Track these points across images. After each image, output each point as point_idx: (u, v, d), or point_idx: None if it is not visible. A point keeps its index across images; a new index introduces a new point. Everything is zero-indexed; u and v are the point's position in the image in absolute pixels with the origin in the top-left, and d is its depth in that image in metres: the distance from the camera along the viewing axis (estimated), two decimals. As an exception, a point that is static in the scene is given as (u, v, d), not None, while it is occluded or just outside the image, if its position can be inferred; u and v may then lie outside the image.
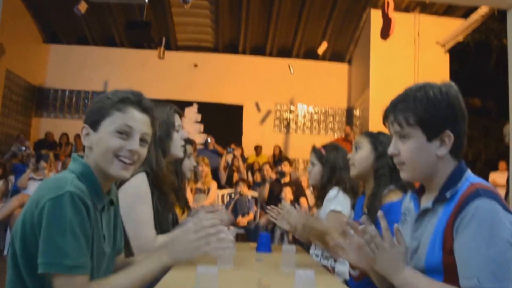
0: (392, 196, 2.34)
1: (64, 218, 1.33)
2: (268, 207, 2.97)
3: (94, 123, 1.52)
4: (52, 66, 12.31)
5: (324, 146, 3.18)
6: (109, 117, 1.51)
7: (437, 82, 1.54)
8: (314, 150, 3.17)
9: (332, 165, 3.02)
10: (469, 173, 1.52)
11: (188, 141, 2.69)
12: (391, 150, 1.59)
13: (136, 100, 1.55)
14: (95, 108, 1.54)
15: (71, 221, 1.33)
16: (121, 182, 2.10)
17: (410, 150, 1.52)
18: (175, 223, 2.45)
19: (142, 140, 1.56)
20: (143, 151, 1.58)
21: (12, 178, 7.46)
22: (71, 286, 1.31)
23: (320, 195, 3.10)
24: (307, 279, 1.52)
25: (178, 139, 2.42)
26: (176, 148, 2.42)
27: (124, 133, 1.52)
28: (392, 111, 1.55)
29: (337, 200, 2.89)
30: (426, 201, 1.56)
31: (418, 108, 1.48)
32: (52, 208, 1.34)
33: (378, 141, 2.47)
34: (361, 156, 2.52)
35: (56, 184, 1.40)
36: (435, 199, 1.52)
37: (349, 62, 12.83)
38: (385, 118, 1.60)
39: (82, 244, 1.36)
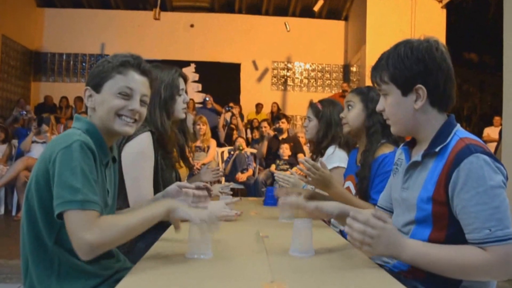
0: (384, 149, 2.39)
1: (75, 161, 1.39)
2: (276, 174, 3.05)
3: (96, 86, 1.59)
4: (48, 30, 12.16)
5: (321, 101, 3.20)
6: (111, 80, 1.58)
7: (421, 38, 1.57)
8: (311, 105, 3.20)
9: (328, 120, 3.06)
10: (458, 128, 1.56)
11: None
12: (378, 107, 1.67)
13: (136, 63, 1.62)
14: (97, 71, 1.60)
15: (81, 164, 1.39)
16: (126, 140, 2.15)
17: (390, 105, 1.59)
18: (178, 180, 2.51)
19: (142, 101, 1.64)
20: (143, 111, 1.66)
21: (15, 142, 7.47)
22: (84, 221, 1.35)
23: (316, 149, 3.15)
24: (304, 228, 1.57)
25: (180, 102, 2.47)
26: (179, 110, 2.47)
27: (125, 94, 1.59)
28: (372, 71, 1.63)
29: (335, 157, 2.94)
30: (416, 154, 1.60)
31: (389, 66, 1.54)
32: (63, 155, 1.39)
33: (369, 98, 2.50)
34: (353, 115, 2.55)
35: (64, 138, 1.45)
36: (424, 152, 1.56)
37: (346, 19, 12.65)
38: (371, 79, 1.67)
39: (93, 185, 1.41)
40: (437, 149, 1.51)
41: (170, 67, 2.47)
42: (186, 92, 2.54)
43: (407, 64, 1.51)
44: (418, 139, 1.65)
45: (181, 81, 2.47)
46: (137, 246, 2.04)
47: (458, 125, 1.57)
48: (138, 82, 1.62)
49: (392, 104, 1.58)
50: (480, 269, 1.38)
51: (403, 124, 1.60)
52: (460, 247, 1.42)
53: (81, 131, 1.52)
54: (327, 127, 3.07)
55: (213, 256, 1.48)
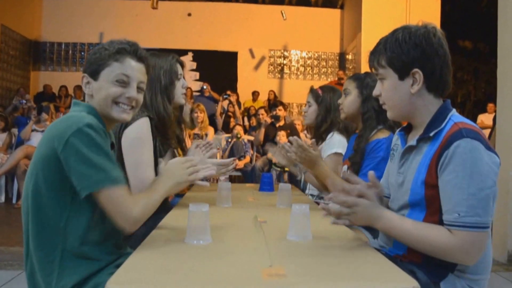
0: (380, 134, 2.40)
1: (94, 141, 1.42)
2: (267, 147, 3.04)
3: (93, 73, 1.59)
4: (46, 20, 12.11)
5: (321, 87, 3.20)
6: (108, 67, 1.58)
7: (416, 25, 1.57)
8: (312, 90, 3.20)
9: (327, 105, 3.05)
10: (454, 113, 1.55)
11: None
12: (375, 92, 1.66)
13: (132, 50, 1.62)
14: (94, 59, 1.59)
15: (100, 144, 1.43)
16: (124, 126, 2.15)
17: (387, 90, 1.59)
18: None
19: (139, 88, 1.64)
20: (140, 97, 1.67)
21: (15, 130, 7.47)
22: (125, 197, 1.44)
23: (316, 134, 3.14)
24: (302, 213, 1.57)
25: (179, 87, 2.49)
26: (178, 95, 2.49)
27: (122, 81, 1.59)
28: (370, 56, 1.63)
29: (334, 143, 2.94)
30: (412, 139, 1.61)
31: (387, 50, 1.54)
32: (79, 137, 1.40)
33: (364, 85, 2.50)
34: (348, 101, 2.56)
35: (72, 120, 1.45)
36: (419, 137, 1.56)
37: (341, 8, 12.64)
38: (369, 64, 1.66)
39: (115, 161, 1.47)
40: (431, 134, 1.51)
41: (167, 54, 2.48)
42: (183, 77, 2.56)
43: (404, 49, 1.51)
44: (414, 124, 1.65)
45: (178, 66, 2.49)
46: (136, 232, 2.03)
47: (454, 110, 1.57)
48: (135, 69, 1.62)
49: (389, 88, 1.58)
50: (443, 249, 1.40)
51: (400, 109, 1.59)
52: (432, 226, 1.46)
53: (85, 113, 1.52)
54: (326, 112, 3.06)
55: (212, 241, 1.49)
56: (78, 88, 10.36)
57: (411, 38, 1.51)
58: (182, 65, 2.55)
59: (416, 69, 1.51)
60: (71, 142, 1.39)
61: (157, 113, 2.33)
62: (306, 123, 3.27)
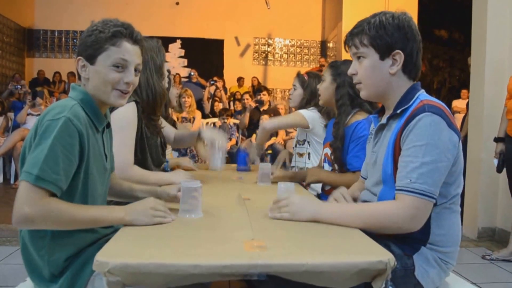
0: (358, 116, 2.40)
1: (50, 136, 1.33)
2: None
3: (90, 57, 1.51)
4: (39, 8, 11.92)
5: (308, 73, 3.23)
6: (105, 52, 1.50)
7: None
8: (298, 75, 3.23)
9: (312, 90, 3.06)
10: (422, 92, 1.57)
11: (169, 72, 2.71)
12: (350, 70, 1.65)
13: (128, 33, 1.53)
14: (90, 42, 1.51)
15: (56, 141, 1.33)
16: (111, 109, 2.13)
17: (365, 68, 1.57)
18: (164, 145, 2.50)
19: (136, 70, 1.58)
20: (136, 80, 1.60)
21: (11, 115, 7.44)
22: (30, 196, 1.29)
23: None
24: (287, 190, 1.60)
25: (165, 70, 2.45)
26: (164, 77, 2.45)
27: (120, 66, 1.52)
28: (350, 36, 1.61)
29: (304, 110, 3.01)
30: (384, 119, 1.62)
31: (371, 30, 1.53)
32: (47, 127, 1.35)
33: (337, 72, 2.50)
34: (322, 88, 2.58)
35: (57, 109, 1.40)
36: (389, 115, 1.58)
37: (323, -3, 12.60)
38: (345, 44, 1.65)
39: (59, 164, 1.33)
40: (399, 111, 1.53)
41: (150, 38, 2.40)
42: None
43: (388, 30, 1.51)
44: (386, 105, 1.65)
45: (163, 49, 2.47)
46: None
47: (423, 90, 1.58)
48: (132, 53, 1.54)
49: (367, 67, 1.56)
50: (390, 215, 1.40)
51: (376, 88, 1.59)
52: (377, 202, 1.53)
53: (76, 102, 1.47)
54: (311, 96, 3.08)
55: (203, 216, 1.50)
56: (72, 74, 10.33)
57: (394, 21, 1.52)
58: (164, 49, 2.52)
59: (398, 50, 1.52)
60: (42, 129, 1.35)
61: (154, 92, 2.30)
62: (291, 106, 3.29)
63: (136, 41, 1.56)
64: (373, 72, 1.56)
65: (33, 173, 1.29)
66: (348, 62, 2.47)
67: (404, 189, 1.39)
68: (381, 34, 1.52)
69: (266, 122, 3.06)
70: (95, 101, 1.54)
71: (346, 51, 1.67)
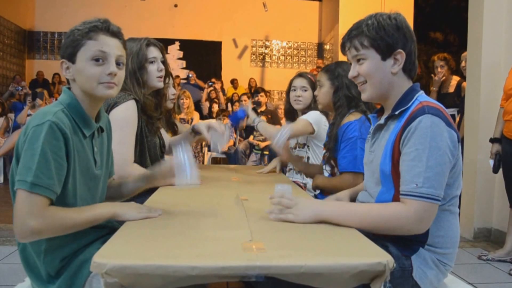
0: (350, 117, 2.39)
1: (38, 141, 1.31)
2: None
3: (70, 56, 1.48)
4: (39, 10, 11.94)
5: (313, 76, 3.15)
6: (83, 47, 1.47)
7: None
8: (305, 76, 3.10)
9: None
10: (421, 93, 1.55)
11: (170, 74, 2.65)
12: (350, 74, 1.62)
13: (104, 26, 1.50)
14: (68, 42, 1.49)
15: (44, 145, 1.30)
16: (111, 107, 2.11)
17: (367, 69, 1.55)
18: (162, 147, 2.48)
19: (118, 63, 1.53)
20: (121, 73, 1.55)
21: (11, 115, 7.45)
22: (30, 206, 1.27)
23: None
24: (284, 192, 1.57)
25: (153, 71, 2.34)
26: (152, 79, 2.35)
27: (100, 58, 1.48)
28: (348, 39, 1.59)
29: (309, 113, 2.93)
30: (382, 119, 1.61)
31: (370, 32, 1.51)
32: (32, 133, 1.32)
33: (335, 75, 2.47)
34: (321, 93, 2.56)
35: (41, 115, 1.37)
36: (387, 115, 1.57)
37: (320, 0, 12.59)
38: (343, 47, 1.63)
39: (51, 169, 1.32)
40: (397, 112, 1.52)
41: (138, 38, 2.33)
42: (164, 62, 2.41)
43: (388, 31, 1.50)
44: (386, 105, 1.64)
45: (151, 49, 2.34)
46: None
47: (422, 91, 1.57)
48: (110, 45, 1.50)
49: (369, 69, 1.54)
50: (397, 218, 1.38)
51: (380, 88, 1.56)
52: (381, 204, 1.48)
53: (61, 107, 1.44)
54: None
55: (200, 184, 1.48)
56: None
57: (392, 21, 1.51)
58: (159, 47, 2.40)
59: (399, 50, 1.51)
60: (28, 136, 1.33)
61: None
62: (301, 107, 3.09)
63: (114, 33, 1.53)
64: (376, 73, 1.55)
65: (28, 180, 1.27)
66: (342, 64, 2.47)
67: (411, 194, 1.38)
68: (381, 35, 1.50)
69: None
70: (85, 102, 1.51)
71: (344, 54, 1.65)
